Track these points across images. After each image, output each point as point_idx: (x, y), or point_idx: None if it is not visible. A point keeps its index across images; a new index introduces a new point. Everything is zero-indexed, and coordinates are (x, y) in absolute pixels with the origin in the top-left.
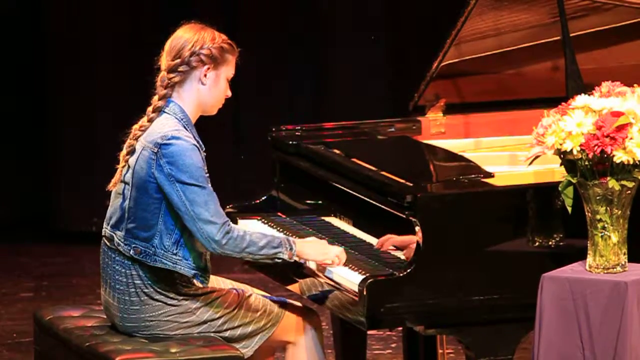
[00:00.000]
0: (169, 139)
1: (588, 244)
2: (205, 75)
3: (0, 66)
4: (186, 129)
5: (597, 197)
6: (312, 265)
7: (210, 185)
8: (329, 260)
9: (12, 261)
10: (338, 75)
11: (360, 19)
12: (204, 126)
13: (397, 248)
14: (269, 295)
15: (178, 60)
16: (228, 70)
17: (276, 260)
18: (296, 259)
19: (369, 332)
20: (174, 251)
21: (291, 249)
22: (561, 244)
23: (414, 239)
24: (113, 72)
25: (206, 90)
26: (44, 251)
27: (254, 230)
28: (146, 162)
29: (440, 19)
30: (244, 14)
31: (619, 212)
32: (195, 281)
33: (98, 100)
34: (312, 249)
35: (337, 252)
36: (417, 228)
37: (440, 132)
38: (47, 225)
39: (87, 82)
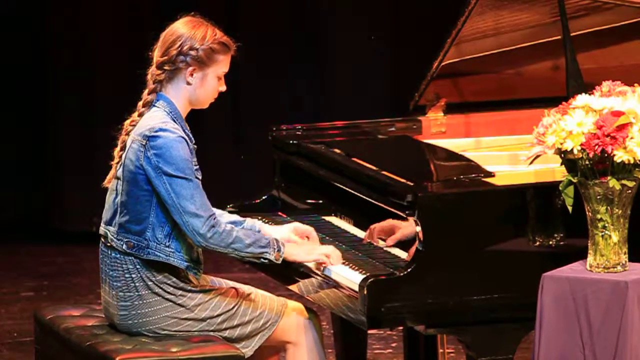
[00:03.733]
0: (156, 131)
1: (588, 244)
2: (191, 75)
3: (0, 66)
4: (175, 122)
5: (598, 197)
6: (311, 265)
7: (199, 178)
8: (319, 259)
9: (12, 261)
10: (338, 75)
11: (360, 19)
12: (203, 126)
13: (387, 238)
14: (269, 294)
15: (165, 58)
16: (218, 69)
17: (262, 260)
18: (284, 259)
19: (370, 331)
20: (167, 243)
21: (279, 250)
22: (561, 243)
23: (395, 222)
24: (113, 72)
25: (192, 89)
26: (44, 251)
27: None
28: (135, 155)
29: (440, 19)
30: (244, 13)
31: (620, 211)
32: (189, 274)
33: (98, 100)
34: (301, 249)
35: (326, 250)
36: (418, 227)
37: (441, 131)
38: (47, 225)
39: (87, 82)
